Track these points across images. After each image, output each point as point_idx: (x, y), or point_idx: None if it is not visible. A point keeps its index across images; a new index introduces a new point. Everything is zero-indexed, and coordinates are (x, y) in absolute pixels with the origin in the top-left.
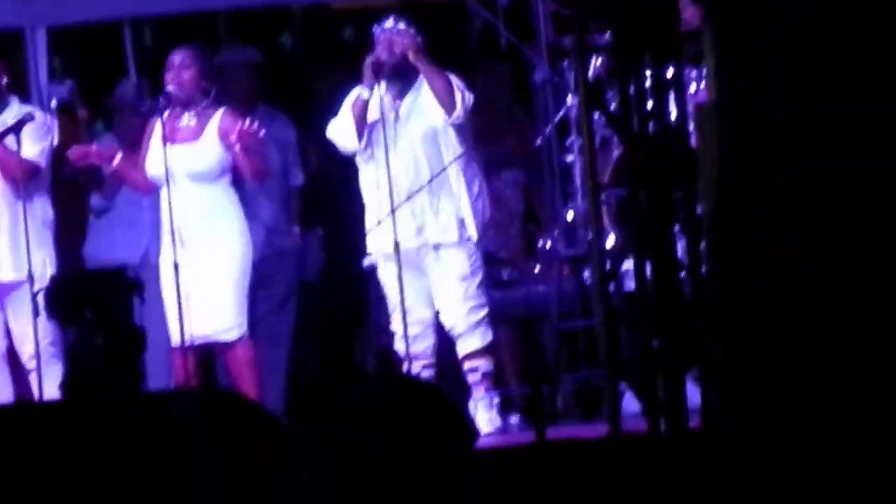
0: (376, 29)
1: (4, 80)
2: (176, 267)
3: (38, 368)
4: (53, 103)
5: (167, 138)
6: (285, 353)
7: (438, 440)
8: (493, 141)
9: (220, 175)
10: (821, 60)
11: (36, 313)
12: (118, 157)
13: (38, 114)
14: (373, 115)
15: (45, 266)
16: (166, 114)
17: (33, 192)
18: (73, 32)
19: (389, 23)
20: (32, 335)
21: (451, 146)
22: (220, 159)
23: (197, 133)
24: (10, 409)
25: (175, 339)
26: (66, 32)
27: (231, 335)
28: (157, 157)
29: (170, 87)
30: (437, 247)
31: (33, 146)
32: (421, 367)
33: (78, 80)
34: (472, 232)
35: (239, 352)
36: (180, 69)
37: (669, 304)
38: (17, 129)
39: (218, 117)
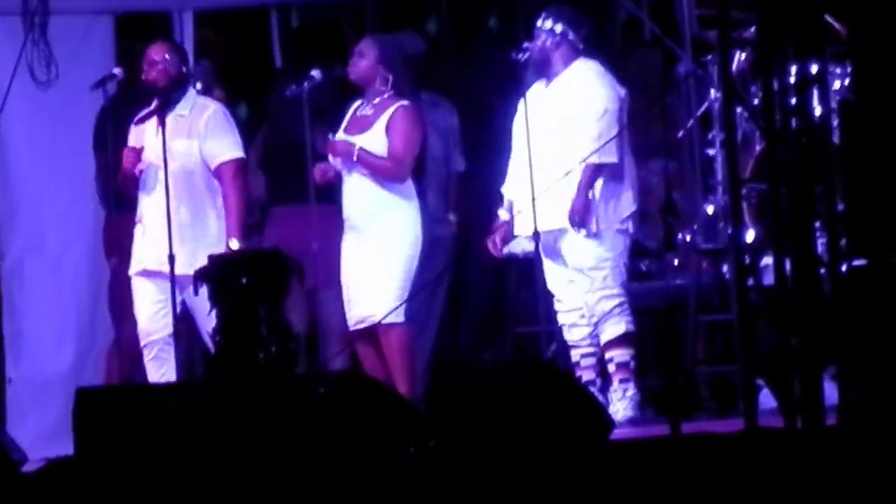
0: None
1: (183, 69)
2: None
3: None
4: (199, 85)
5: (346, 127)
6: (430, 339)
7: (573, 429)
8: (643, 129)
9: None
10: None
11: (195, 293)
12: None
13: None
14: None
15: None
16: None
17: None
18: (218, 15)
19: (540, 21)
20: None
21: (589, 136)
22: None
23: (370, 123)
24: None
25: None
26: (212, 15)
27: (391, 318)
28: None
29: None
30: (564, 231)
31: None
32: (580, 356)
33: (223, 63)
34: (596, 224)
35: (395, 336)
36: (358, 57)
37: (808, 300)
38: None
39: (390, 112)
